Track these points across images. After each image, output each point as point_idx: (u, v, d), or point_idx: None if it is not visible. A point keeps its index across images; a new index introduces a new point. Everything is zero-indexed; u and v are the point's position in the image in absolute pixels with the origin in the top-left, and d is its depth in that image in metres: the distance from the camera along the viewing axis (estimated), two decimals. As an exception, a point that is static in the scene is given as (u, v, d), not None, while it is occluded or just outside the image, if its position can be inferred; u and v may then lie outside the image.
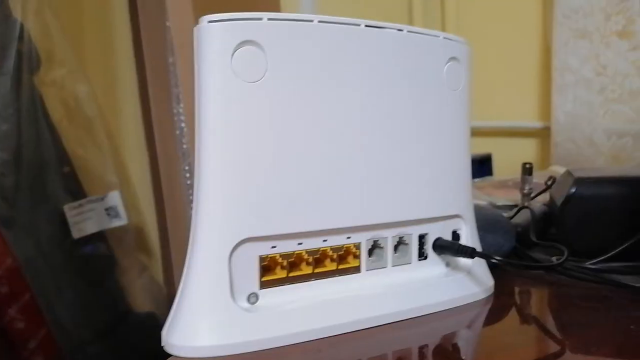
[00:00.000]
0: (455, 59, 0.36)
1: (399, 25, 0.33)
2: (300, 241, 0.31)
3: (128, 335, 0.88)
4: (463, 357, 0.30)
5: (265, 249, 0.30)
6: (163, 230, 0.99)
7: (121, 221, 0.88)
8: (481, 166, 1.38)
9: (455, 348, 0.31)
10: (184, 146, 0.97)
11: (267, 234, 0.30)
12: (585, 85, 1.36)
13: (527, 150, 1.45)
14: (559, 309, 0.39)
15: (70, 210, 0.80)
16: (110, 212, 0.87)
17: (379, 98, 0.33)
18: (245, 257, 0.30)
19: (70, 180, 0.82)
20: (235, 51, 0.28)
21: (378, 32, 0.32)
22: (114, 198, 0.87)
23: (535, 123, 1.46)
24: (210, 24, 0.28)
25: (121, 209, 0.88)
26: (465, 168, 0.38)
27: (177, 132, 0.97)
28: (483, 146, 1.46)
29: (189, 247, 0.29)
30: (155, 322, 0.91)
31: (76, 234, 0.81)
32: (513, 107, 1.48)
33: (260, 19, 0.28)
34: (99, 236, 0.87)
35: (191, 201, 1.08)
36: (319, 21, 0.30)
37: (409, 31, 0.34)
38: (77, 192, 0.83)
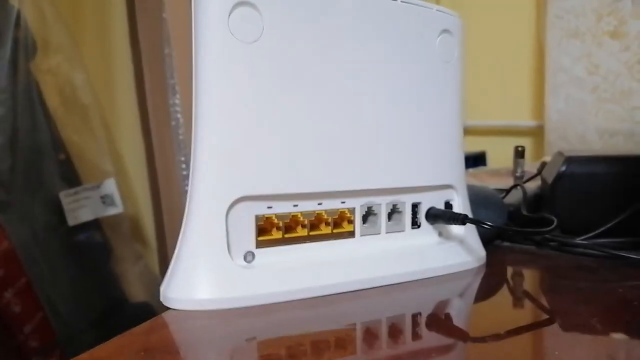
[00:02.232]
0: (447, 31, 0.37)
1: (393, -5, 0.34)
2: (295, 203, 0.32)
3: (122, 325, 0.87)
4: (455, 322, 0.31)
5: (262, 208, 0.31)
6: (159, 220, 0.99)
7: (117, 209, 0.88)
8: (475, 163, 1.39)
9: (448, 313, 0.32)
10: (180, 137, 0.97)
11: (262, 193, 0.30)
12: (578, 84, 1.37)
13: (520, 148, 1.45)
14: (548, 278, 0.39)
15: (65, 198, 0.80)
16: (106, 200, 0.87)
17: (373, 65, 0.33)
18: (241, 216, 0.30)
19: (66, 167, 0.83)
20: (232, 12, 0.29)
21: (373, 0, 0.33)
22: (110, 186, 0.87)
23: (529, 122, 1.47)
24: (209, -16, 0.28)
25: (117, 197, 0.88)
26: (457, 140, 0.38)
27: (173, 123, 0.97)
28: (478, 145, 1.47)
29: (187, 203, 0.30)
30: (150, 312, 0.91)
31: (71, 221, 0.81)
32: (507, 106, 1.50)
33: (257, -20, 0.29)
34: (94, 224, 0.87)
35: (187, 192, 1.09)
36: (315, -14, 0.31)
37: (402, 1, 0.34)
38: (72, 179, 0.83)
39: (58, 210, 0.80)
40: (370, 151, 0.34)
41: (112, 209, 0.87)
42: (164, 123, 0.95)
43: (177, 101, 0.97)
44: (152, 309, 0.93)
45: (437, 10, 0.36)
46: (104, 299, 0.86)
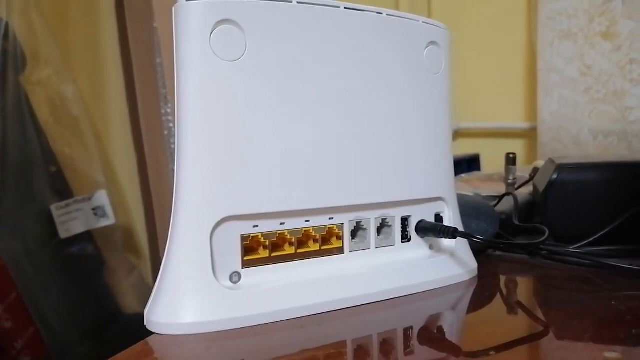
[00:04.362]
0: (434, 43, 0.36)
1: (378, 9, 0.34)
2: (282, 221, 0.32)
3: (116, 336, 0.87)
4: (448, 336, 0.30)
5: (247, 228, 0.31)
6: (151, 230, 0.98)
7: (109, 221, 0.88)
8: (470, 166, 1.39)
9: (440, 328, 0.31)
10: (172, 146, 0.97)
11: (247, 213, 0.30)
12: (571, 85, 1.37)
13: (514, 150, 1.46)
14: (541, 289, 0.39)
15: (57, 210, 0.80)
16: (98, 211, 0.86)
17: (360, 80, 0.33)
18: (227, 235, 0.30)
19: (57, 180, 0.82)
20: (214, 30, 0.28)
21: (357, 15, 0.33)
22: (102, 198, 0.86)
23: (522, 124, 1.47)
24: (189, 2, 0.28)
25: (109, 209, 0.87)
26: (446, 152, 0.38)
27: (165, 132, 0.97)
28: (471, 147, 1.47)
29: (171, 224, 0.29)
30: (143, 324, 0.90)
31: (63, 233, 0.80)
32: (500, 108, 1.50)
33: (239, -3, 0.29)
34: (87, 236, 0.86)
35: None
36: (298, 2, 0.30)
37: (388, 14, 0.34)
38: (64, 191, 0.83)
39: (49, 223, 0.79)
40: (358, 166, 0.33)
41: (104, 220, 0.87)
42: (156, 133, 0.95)
43: (169, 110, 0.97)
44: (146, 320, 0.92)
45: (423, 22, 0.36)
46: (97, 310, 0.86)
